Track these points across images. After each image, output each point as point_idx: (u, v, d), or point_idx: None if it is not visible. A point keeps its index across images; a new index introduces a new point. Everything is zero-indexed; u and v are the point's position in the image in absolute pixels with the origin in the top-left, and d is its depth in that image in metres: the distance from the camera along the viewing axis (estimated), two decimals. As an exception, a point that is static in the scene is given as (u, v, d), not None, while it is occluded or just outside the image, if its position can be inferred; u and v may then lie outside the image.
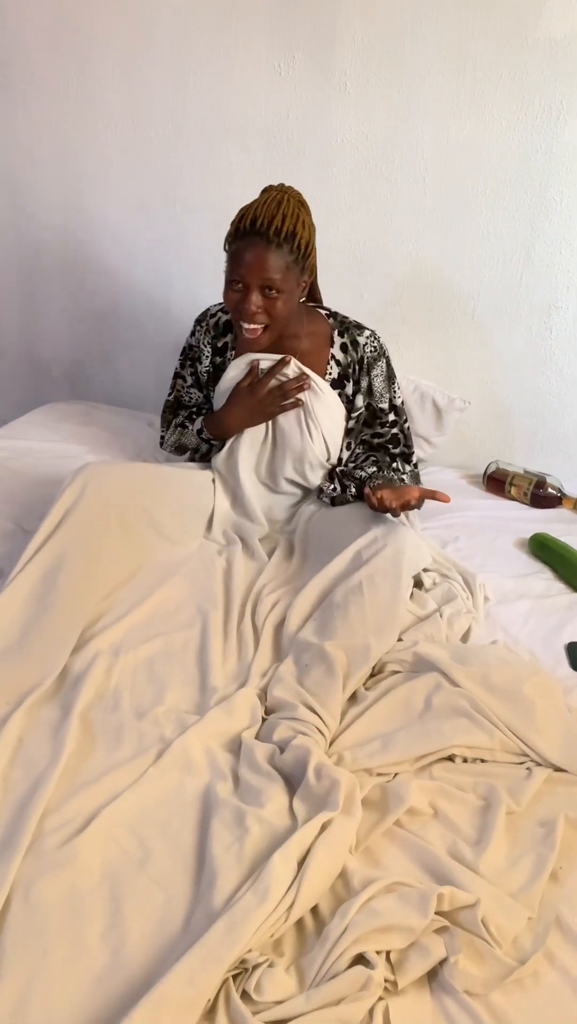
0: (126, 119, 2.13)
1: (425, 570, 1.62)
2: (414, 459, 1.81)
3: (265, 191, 1.58)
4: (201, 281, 2.24)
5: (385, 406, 1.74)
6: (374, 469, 1.74)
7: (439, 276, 2.03)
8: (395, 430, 1.77)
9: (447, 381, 2.09)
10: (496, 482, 2.06)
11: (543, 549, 1.77)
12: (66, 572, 1.43)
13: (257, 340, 1.59)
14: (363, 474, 1.72)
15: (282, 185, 1.59)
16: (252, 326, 1.56)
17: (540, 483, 1.99)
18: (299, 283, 1.57)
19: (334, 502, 1.73)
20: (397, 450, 1.79)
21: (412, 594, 1.55)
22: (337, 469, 1.74)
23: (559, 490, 1.99)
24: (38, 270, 2.42)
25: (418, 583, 1.59)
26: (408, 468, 1.78)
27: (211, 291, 2.18)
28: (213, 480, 1.79)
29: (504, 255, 1.97)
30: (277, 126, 2.00)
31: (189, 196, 2.16)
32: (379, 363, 1.71)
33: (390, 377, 1.74)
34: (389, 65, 1.87)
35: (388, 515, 1.58)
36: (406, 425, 1.79)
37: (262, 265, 1.50)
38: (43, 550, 1.46)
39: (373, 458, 1.78)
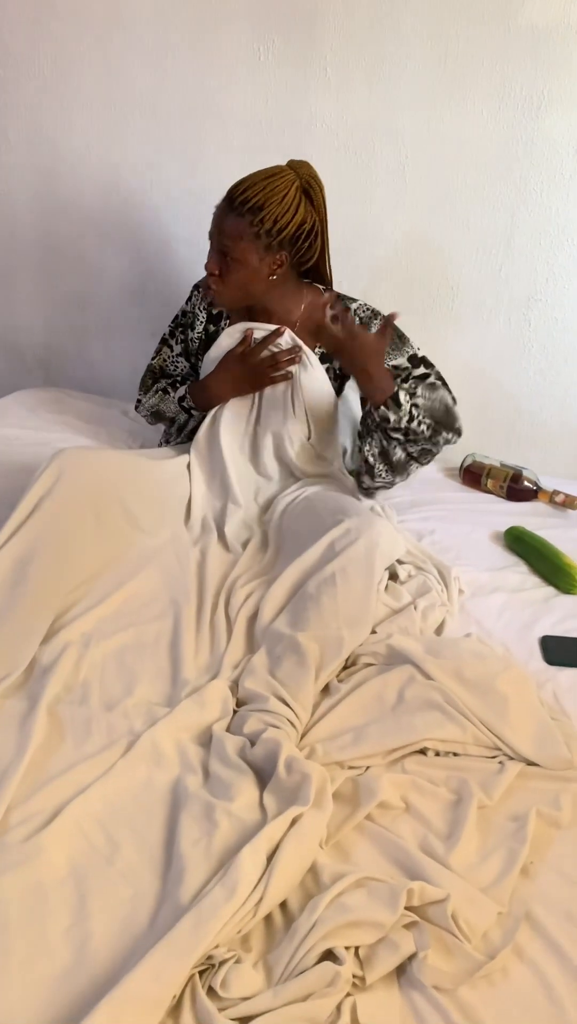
0: (102, 102, 2.09)
1: (400, 562, 1.61)
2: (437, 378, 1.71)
3: (287, 164, 1.58)
4: (177, 267, 2.21)
5: (402, 361, 1.68)
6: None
7: (418, 266, 2.02)
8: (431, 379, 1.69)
9: (425, 372, 2.08)
10: (472, 475, 2.05)
11: (518, 542, 1.77)
12: (37, 562, 1.41)
13: (217, 298, 1.63)
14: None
15: (301, 164, 1.58)
16: (209, 280, 1.60)
17: (516, 476, 1.99)
18: (263, 258, 1.57)
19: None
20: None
21: (387, 586, 1.54)
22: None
23: (535, 484, 1.99)
24: (12, 255, 2.37)
25: (393, 575, 1.58)
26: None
27: (187, 278, 2.16)
28: (188, 466, 1.76)
29: (484, 246, 1.96)
30: (255, 110, 1.98)
31: (166, 181, 2.13)
32: (374, 322, 1.68)
33: (400, 336, 1.69)
34: (370, 50, 1.84)
35: (362, 506, 1.57)
36: (434, 367, 1.71)
37: (220, 229, 1.55)
38: (15, 538, 1.43)
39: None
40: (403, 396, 1.59)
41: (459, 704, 1.24)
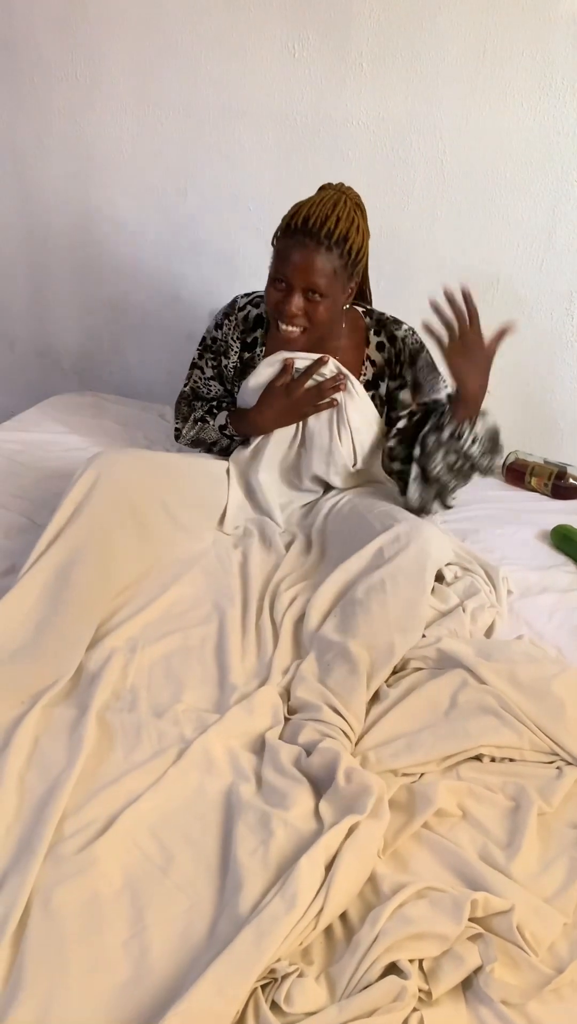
0: (136, 104, 2.09)
1: (447, 564, 1.58)
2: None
3: (322, 189, 1.53)
4: (213, 270, 2.20)
5: (442, 397, 1.62)
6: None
7: (457, 262, 1.99)
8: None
9: (465, 370, 2.05)
10: (516, 473, 2.01)
11: (566, 541, 1.73)
12: (80, 567, 1.40)
13: (294, 342, 1.54)
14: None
15: (341, 185, 1.53)
16: (291, 328, 1.52)
17: (561, 474, 1.95)
18: (345, 289, 1.52)
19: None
20: None
21: (434, 588, 1.51)
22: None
23: (580, 481, 1.95)
24: (47, 260, 2.38)
25: (439, 577, 1.55)
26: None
27: (223, 280, 2.15)
28: (227, 471, 1.75)
29: (525, 240, 1.93)
30: (290, 109, 1.96)
31: (200, 182, 2.12)
32: (421, 355, 1.65)
33: (433, 366, 1.65)
34: (406, 45, 1.82)
35: (409, 512, 1.53)
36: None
37: (309, 267, 1.45)
38: (56, 544, 1.41)
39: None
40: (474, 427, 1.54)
41: (514, 708, 1.21)
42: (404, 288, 2.02)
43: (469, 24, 1.77)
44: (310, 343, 1.56)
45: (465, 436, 1.54)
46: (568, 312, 1.97)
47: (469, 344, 1.47)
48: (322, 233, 1.44)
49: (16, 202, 2.33)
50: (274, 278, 1.50)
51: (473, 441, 1.55)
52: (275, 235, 1.51)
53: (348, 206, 1.48)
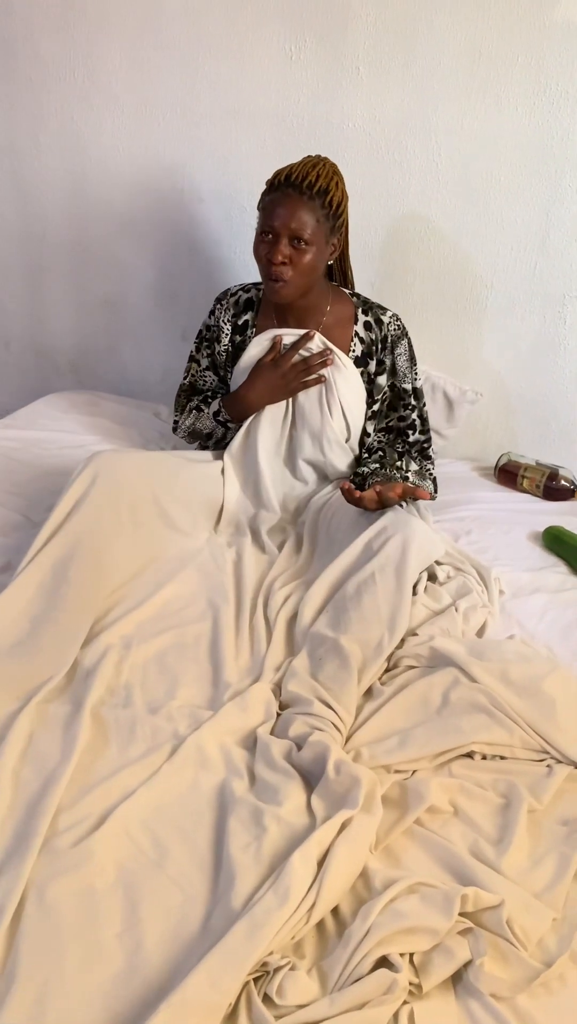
0: (133, 104, 2.09)
1: (439, 563, 1.59)
2: (431, 452, 1.81)
3: (304, 158, 1.61)
4: (209, 270, 2.20)
5: (408, 387, 1.75)
6: (376, 467, 1.72)
7: (451, 265, 2.00)
8: (414, 415, 1.78)
9: (459, 372, 2.06)
10: (508, 474, 2.03)
11: (557, 542, 1.75)
12: (77, 564, 1.41)
13: (283, 290, 1.59)
14: (365, 470, 1.71)
15: (319, 155, 1.63)
16: (280, 283, 1.58)
17: (553, 475, 1.97)
18: (328, 242, 1.60)
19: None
20: (414, 437, 1.78)
21: (426, 588, 1.53)
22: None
23: (572, 482, 1.96)
24: (43, 258, 2.38)
25: (432, 577, 1.57)
26: (414, 467, 1.75)
27: (219, 278, 2.16)
28: (222, 471, 1.76)
29: (518, 244, 1.94)
30: (287, 111, 1.97)
31: (197, 182, 2.12)
32: (402, 342, 1.73)
33: (412, 358, 1.75)
34: (402, 48, 1.83)
35: (397, 506, 1.56)
36: (425, 409, 1.80)
37: (293, 215, 1.54)
38: (53, 541, 1.43)
39: (380, 453, 1.77)
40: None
41: (505, 707, 1.22)
42: (398, 289, 2.04)
43: (464, 28, 1.78)
44: (297, 294, 1.62)
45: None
46: (560, 315, 1.98)
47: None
48: (304, 185, 1.53)
49: (12, 200, 2.33)
50: (261, 232, 1.58)
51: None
52: (261, 198, 1.60)
53: (327, 166, 1.58)
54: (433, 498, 1.72)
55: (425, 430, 1.80)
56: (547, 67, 1.77)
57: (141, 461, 1.62)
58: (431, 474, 1.78)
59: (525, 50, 1.77)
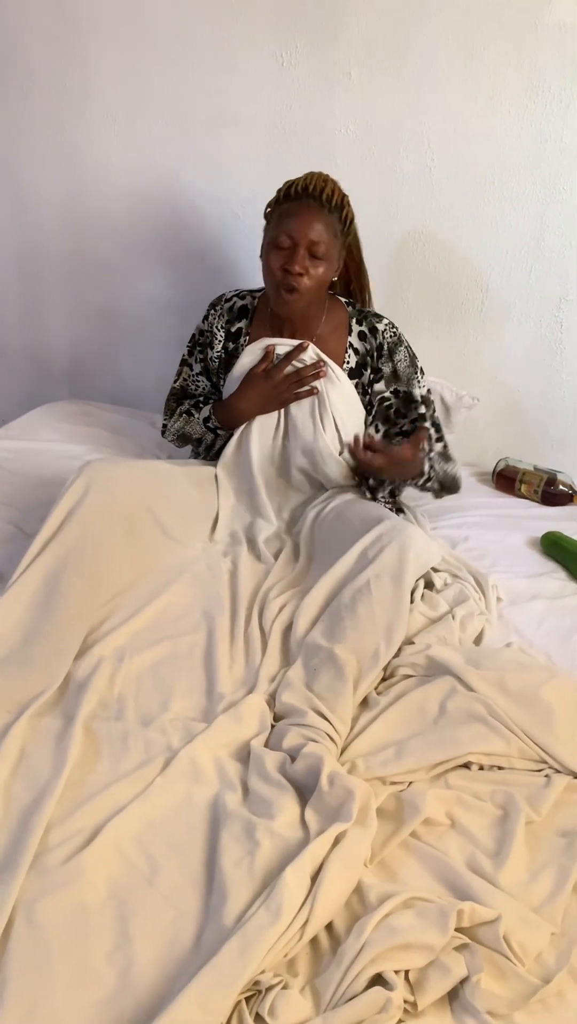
0: (126, 112, 2.09)
1: (435, 570, 1.58)
2: (450, 454, 1.77)
3: (309, 173, 1.60)
4: (203, 278, 2.20)
5: (416, 392, 1.71)
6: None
7: (446, 269, 1.99)
8: (428, 424, 1.72)
9: (455, 377, 2.05)
10: (506, 480, 2.02)
11: (555, 548, 1.73)
12: (69, 575, 1.39)
13: (295, 300, 1.57)
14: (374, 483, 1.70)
15: (321, 172, 1.62)
16: (293, 296, 1.56)
17: (551, 480, 1.95)
18: (336, 262, 1.60)
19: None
20: (432, 445, 1.74)
21: (423, 595, 1.51)
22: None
23: (571, 487, 1.95)
24: (38, 267, 2.37)
25: (429, 584, 1.55)
26: (438, 448, 1.73)
27: (214, 286, 2.15)
28: (215, 478, 1.75)
29: (513, 247, 1.93)
30: (280, 118, 1.96)
31: (191, 191, 2.12)
32: (400, 348, 1.70)
33: (414, 363, 1.71)
34: (394, 53, 1.82)
35: (393, 513, 1.55)
36: (436, 416, 1.76)
37: (312, 226, 1.53)
38: (45, 552, 1.41)
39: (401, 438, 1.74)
40: (426, 466, 1.66)
41: (503, 716, 1.21)
42: (393, 295, 2.03)
43: (456, 32, 1.78)
44: (307, 304, 1.60)
45: (412, 484, 1.72)
46: (556, 319, 1.97)
47: (382, 467, 1.58)
48: (323, 197, 1.53)
49: (7, 210, 2.32)
50: (275, 241, 1.55)
51: (427, 481, 1.70)
52: (270, 206, 1.59)
53: (337, 184, 1.58)
54: (457, 486, 1.74)
55: (440, 437, 1.75)
56: (539, 69, 1.77)
57: (134, 470, 1.61)
58: (453, 460, 1.76)
59: (517, 52, 1.76)
